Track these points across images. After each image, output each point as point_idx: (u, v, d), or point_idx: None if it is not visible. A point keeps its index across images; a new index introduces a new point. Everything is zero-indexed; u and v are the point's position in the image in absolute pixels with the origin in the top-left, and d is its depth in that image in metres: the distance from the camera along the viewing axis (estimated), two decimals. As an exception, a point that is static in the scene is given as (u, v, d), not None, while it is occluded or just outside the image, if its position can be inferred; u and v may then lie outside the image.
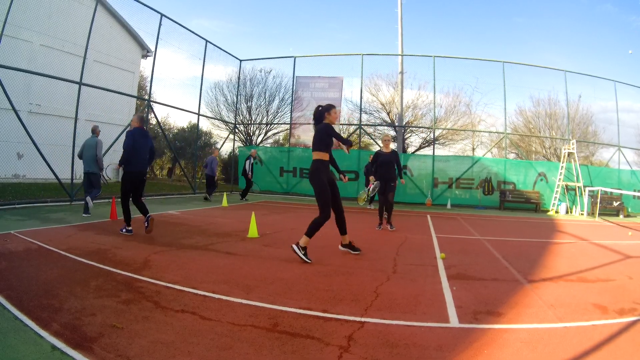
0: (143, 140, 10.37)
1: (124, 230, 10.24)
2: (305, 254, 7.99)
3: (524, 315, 5.26)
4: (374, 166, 13.15)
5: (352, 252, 8.85)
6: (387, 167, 12.84)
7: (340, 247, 9.02)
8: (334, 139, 8.25)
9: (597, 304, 5.85)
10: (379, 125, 31.17)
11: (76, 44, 20.70)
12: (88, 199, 13.11)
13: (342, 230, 8.92)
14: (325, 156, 8.35)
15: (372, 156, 17.93)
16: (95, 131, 13.78)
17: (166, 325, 4.48)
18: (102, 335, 4.14)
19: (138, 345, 3.98)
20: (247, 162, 23.16)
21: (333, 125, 8.48)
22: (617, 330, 4.85)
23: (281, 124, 32.07)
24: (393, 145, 17.86)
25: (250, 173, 23.16)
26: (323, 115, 8.44)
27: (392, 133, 28.81)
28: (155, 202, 18.59)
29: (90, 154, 13.46)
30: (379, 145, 27.92)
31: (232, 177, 30.24)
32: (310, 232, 8.16)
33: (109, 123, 24.49)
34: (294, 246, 7.99)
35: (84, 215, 12.98)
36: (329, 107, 8.48)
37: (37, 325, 4.31)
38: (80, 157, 13.78)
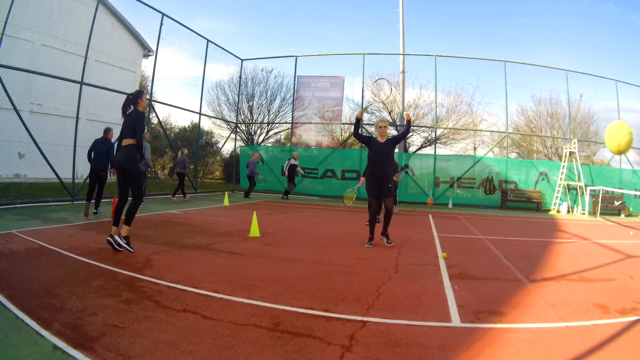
0: (101, 147, 13.49)
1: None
2: (128, 243, 8.10)
3: (526, 315, 5.27)
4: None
5: (121, 248, 8.07)
6: (382, 161, 9.99)
7: (116, 238, 8.10)
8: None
9: (599, 303, 5.86)
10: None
11: (77, 44, 20.71)
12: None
13: (117, 221, 8.33)
14: (134, 142, 8.33)
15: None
16: (145, 137, 16.44)
17: (168, 325, 4.48)
18: (103, 335, 4.15)
19: (139, 344, 3.99)
20: (287, 162, 23.24)
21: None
22: (618, 329, 4.85)
23: (283, 123, 32.09)
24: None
25: (287, 173, 23.28)
26: (137, 102, 8.42)
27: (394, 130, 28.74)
28: (157, 202, 18.63)
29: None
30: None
31: (234, 176, 30.22)
32: (131, 220, 8.31)
33: (111, 122, 24.46)
34: (116, 238, 8.01)
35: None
36: (140, 93, 8.58)
37: (38, 325, 4.31)
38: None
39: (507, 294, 6.25)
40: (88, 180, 13.74)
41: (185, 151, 21.61)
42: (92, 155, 13.45)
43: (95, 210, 13.39)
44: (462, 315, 5.16)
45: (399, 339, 4.36)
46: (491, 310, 5.41)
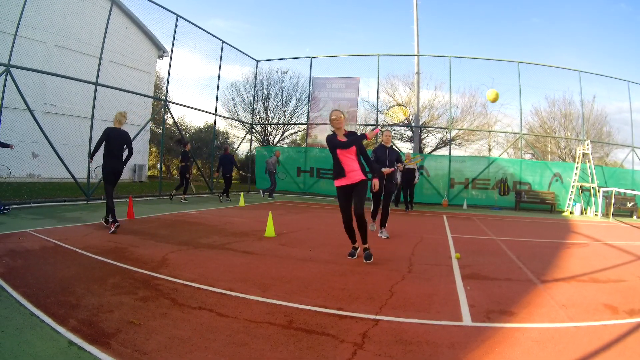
0: (225, 159, 20.91)
1: None
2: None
3: (536, 315, 5.30)
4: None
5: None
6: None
7: None
8: None
9: (608, 304, 5.88)
10: (395, 125, 31.17)
11: (91, 45, 20.87)
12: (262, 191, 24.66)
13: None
14: None
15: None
16: (275, 153, 24.83)
17: (183, 322, 4.56)
18: (119, 331, 4.23)
19: (155, 340, 4.06)
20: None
21: None
22: (626, 330, 4.88)
23: (298, 124, 32.20)
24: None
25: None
26: None
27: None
28: (173, 202, 18.71)
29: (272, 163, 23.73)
30: (396, 146, 27.91)
31: (249, 177, 30.19)
32: None
33: (126, 123, 24.63)
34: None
35: (268, 197, 23.86)
36: None
37: (54, 321, 4.40)
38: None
39: (518, 294, 6.28)
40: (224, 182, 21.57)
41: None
42: (221, 166, 20.97)
43: (227, 199, 21.21)
44: (473, 315, 5.20)
45: (411, 337, 4.42)
46: (502, 310, 5.44)
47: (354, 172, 7.90)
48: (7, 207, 12.50)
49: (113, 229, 9.97)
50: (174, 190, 19.74)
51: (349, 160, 7.91)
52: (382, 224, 11.42)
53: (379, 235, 11.28)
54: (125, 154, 10.89)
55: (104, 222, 11.01)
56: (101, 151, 10.62)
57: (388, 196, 11.43)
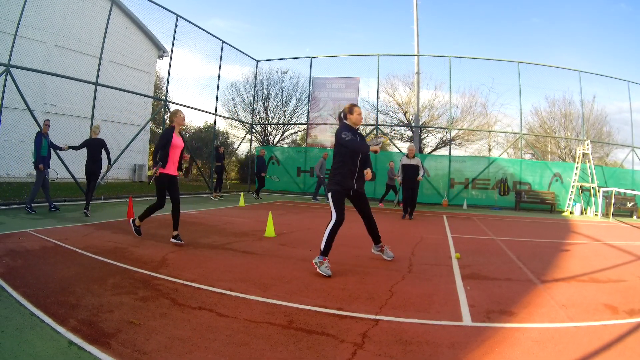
0: (259, 162, 23.02)
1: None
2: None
3: (536, 315, 5.30)
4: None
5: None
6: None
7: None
8: None
9: (608, 304, 5.89)
10: (395, 125, 31.21)
11: (91, 45, 20.87)
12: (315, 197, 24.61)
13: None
14: None
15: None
16: (323, 155, 24.02)
17: (183, 322, 4.57)
18: (119, 331, 4.23)
19: (155, 340, 4.06)
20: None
21: None
22: (626, 330, 4.88)
23: (298, 124, 32.25)
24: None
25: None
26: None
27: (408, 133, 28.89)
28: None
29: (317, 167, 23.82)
30: (395, 146, 27.93)
31: (249, 177, 30.20)
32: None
33: (126, 123, 24.67)
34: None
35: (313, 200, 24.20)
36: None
37: (54, 322, 4.40)
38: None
39: (518, 294, 6.29)
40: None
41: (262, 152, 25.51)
42: (258, 167, 23.98)
43: (257, 196, 23.86)
44: (473, 315, 5.21)
45: (411, 337, 4.43)
46: (502, 310, 5.45)
47: (174, 166, 9.14)
48: (56, 205, 13.89)
49: (87, 212, 12.76)
50: (214, 192, 20.67)
51: (176, 157, 9.18)
52: (376, 240, 8.63)
53: (373, 251, 8.75)
54: (104, 157, 13.30)
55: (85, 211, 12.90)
56: (85, 156, 13.11)
57: (361, 200, 8.30)
